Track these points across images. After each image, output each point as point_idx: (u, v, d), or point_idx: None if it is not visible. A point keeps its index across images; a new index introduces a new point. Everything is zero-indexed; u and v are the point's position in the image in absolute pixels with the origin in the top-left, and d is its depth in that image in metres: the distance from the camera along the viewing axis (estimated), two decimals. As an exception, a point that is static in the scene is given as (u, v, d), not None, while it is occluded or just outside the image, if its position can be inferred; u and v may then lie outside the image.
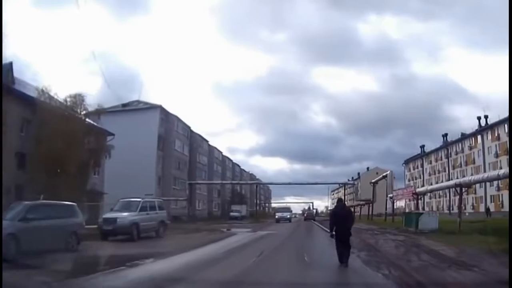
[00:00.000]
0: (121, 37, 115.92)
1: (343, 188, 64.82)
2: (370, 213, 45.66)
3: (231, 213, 61.95)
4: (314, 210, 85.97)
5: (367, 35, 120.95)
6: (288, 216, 49.15)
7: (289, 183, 60.81)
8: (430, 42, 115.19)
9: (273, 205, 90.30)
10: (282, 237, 21.18)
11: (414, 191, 31.50)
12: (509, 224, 14.19)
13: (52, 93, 24.84)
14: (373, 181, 44.45)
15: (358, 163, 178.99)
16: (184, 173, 56.56)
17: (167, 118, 52.86)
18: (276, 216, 49.02)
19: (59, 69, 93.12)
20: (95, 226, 17.53)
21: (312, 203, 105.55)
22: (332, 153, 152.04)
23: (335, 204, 10.72)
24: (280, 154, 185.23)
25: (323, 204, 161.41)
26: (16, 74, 24.93)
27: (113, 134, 31.25)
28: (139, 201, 18.06)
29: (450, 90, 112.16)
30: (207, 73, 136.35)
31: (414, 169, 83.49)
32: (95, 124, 28.33)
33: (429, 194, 56.16)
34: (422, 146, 79.85)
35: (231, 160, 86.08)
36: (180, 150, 55.75)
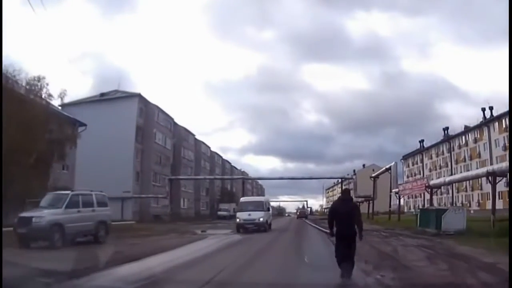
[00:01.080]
0: (111, 35, 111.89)
1: (340, 184, 60.59)
2: (371, 211, 41.22)
3: (219, 212, 59.89)
4: (308, 209, 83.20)
5: (356, 32, 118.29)
6: (261, 220, 23.05)
7: (280, 178, 56.37)
8: (419, 39, 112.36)
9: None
10: (262, 242, 16.17)
11: (427, 184, 26.37)
12: (509, 223, 13.39)
13: (9, 74, 21.12)
14: (373, 175, 39.94)
15: (350, 162, 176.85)
16: (167, 168, 52.08)
17: (146, 108, 48.27)
18: (237, 220, 23.74)
19: (39, 64, 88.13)
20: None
21: (306, 201, 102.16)
22: (324, 151, 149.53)
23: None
24: (273, 153, 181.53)
25: (317, 203, 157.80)
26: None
27: (85, 125, 28.67)
28: (67, 194, 13.28)
29: (441, 86, 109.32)
30: (197, 72, 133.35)
31: (413, 165, 79.43)
32: (60, 111, 25.64)
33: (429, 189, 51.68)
34: (422, 141, 75.86)
35: (221, 156, 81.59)
36: (162, 143, 51.18)
